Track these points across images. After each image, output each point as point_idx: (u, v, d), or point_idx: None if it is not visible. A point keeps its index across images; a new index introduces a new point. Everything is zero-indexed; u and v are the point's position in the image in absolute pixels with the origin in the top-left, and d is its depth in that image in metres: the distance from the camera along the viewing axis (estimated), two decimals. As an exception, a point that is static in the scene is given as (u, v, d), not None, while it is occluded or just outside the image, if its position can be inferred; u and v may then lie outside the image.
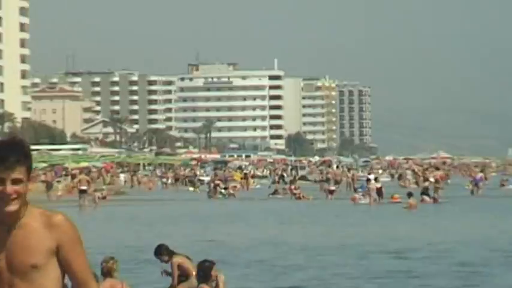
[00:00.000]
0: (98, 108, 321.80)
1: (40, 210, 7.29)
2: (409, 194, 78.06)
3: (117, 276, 23.10)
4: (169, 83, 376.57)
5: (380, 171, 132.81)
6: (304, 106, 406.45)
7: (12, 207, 7.07)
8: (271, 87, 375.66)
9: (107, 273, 22.79)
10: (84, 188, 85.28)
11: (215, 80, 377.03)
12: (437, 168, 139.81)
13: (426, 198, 79.64)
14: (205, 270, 24.62)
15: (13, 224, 7.17)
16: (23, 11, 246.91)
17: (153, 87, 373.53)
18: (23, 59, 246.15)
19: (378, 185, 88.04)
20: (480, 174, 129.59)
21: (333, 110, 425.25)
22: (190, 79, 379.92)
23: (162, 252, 27.08)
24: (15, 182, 7.02)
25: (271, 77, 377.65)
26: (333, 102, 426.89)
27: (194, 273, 26.08)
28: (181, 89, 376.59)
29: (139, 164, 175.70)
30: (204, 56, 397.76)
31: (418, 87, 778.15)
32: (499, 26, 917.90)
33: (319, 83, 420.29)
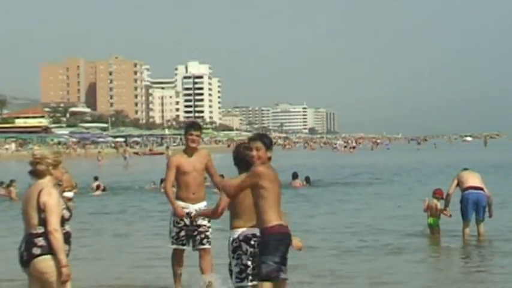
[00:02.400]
0: (244, 120, 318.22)
1: (201, 148, 6.59)
2: (351, 147, 74.96)
3: None
4: (269, 110, 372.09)
5: (340, 139, 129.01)
6: (314, 119, 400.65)
7: (195, 144, 6.41)
8: (303, 113, 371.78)
9: None
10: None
11: (284, 109, 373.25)
12: (360, 138, 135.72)
13: (354, 149, 76.27)
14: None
15: (195, 153, 6.42)
16: (217, 84, 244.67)
17: (263, 113, 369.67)
18: (218, 102, 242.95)
19: (345, 145, 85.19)
20: (379, 140, 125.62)
21: (324, 120, 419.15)
22: (276, 109, 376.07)
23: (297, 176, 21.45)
24: (197, 136, 6.49)
25: (303, 108, 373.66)
26: (324, 116, 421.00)
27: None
28: (273, 113, 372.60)
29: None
30: (281, 100, 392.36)
31: (360, 108, 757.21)
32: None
33: (319, 110, 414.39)
